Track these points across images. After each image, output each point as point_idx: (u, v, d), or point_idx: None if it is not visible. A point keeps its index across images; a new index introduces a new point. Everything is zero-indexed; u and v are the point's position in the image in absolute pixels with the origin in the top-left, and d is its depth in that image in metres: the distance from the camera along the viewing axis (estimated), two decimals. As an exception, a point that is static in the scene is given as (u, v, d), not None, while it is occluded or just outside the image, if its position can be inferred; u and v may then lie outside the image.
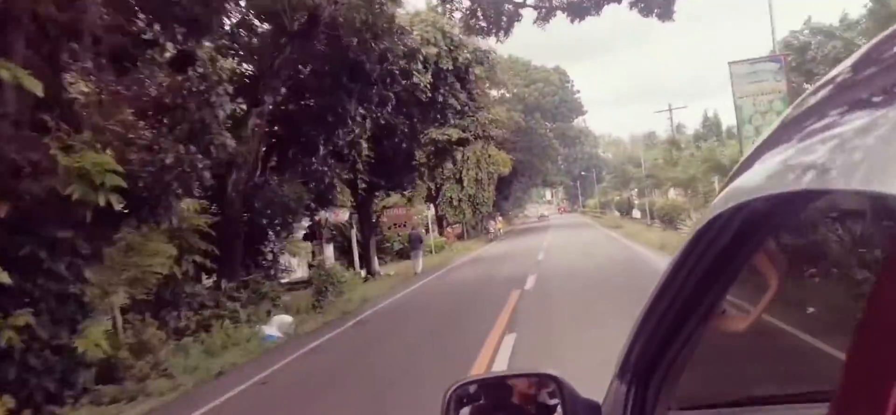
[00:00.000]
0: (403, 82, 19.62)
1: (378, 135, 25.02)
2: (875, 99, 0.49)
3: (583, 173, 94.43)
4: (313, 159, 16.22)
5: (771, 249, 0.79)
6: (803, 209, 0.68)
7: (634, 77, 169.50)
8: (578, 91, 60.31)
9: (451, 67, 24.65)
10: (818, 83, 0.63)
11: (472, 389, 1.27)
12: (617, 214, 65.24)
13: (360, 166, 23.55)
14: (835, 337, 0.64)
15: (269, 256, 16.53)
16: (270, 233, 16.00)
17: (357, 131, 23.18)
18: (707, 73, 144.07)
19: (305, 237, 27.14)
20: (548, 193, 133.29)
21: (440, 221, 46.68)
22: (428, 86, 23.80)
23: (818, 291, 0.80)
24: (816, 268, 0.82)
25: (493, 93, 59.89)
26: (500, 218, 50.15)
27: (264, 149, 15.64)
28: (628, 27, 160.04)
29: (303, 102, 16.31)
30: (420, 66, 23.72)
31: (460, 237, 54.64)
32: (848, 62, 0.60)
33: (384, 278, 25.65)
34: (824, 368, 0.65)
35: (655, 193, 51.57)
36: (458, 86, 25.32)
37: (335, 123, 15.56)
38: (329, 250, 30.14)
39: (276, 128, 15.94)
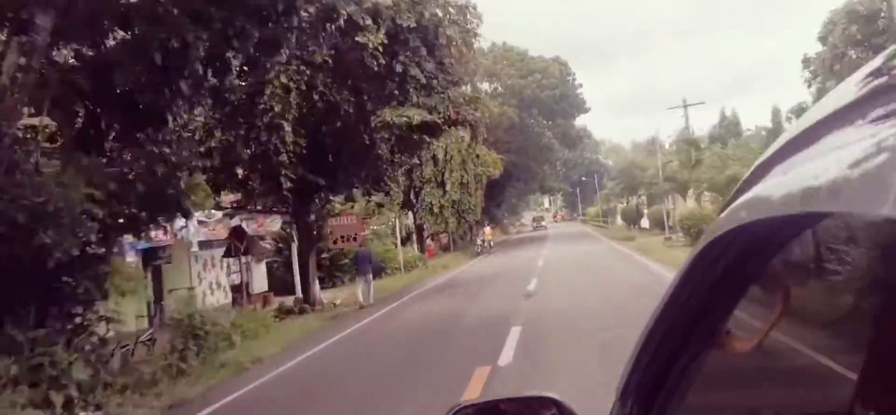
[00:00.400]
0: (329, 26, 13.11)
1: (314, 116, 18.53)
2: (884, 119, 0.48)
3: (584, 178, 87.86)
4: (148, 136, 9.62)
5: (777, 267, 0.77)
6: (811, 227, 0.65)
7: (632, 85, 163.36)
8: (581, 85, 53.84)
9: (413, 25, 18.21)
10: (825, 98, 0.62)
11: (470, 412, 1.26)
12: (622, 223, 58.62)
13: (284, 158, 16.97)
14: (844, 357, 0.62)
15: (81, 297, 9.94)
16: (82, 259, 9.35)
17: (275, 108, 16.70)
18: (706, 82, 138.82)
19: (226, 254, 20.60)
20: (546, 201, 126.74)
21: (419, 231, 40.10)
22: (380, 49, 17.31)
23: (826, 310, 0.74)
24: (824, 287, 0.74)
25: (485, 86, 53.41)
26: (488, 228, 43.46)
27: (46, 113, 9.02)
28: (626, 35, 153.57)
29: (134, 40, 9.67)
30: (369, 21, 17.27)
31: (446, 248, 48.08)
32: (855, 78, 0.58)
33: (321, 312, 19.06)
34: (833, 389, 0.63)
35: (671, 200, 45.18)
36: (423, 51, 18.77)
37: (167, 73, 8.91)
38: (260, 271, 23.54)
39: (76, 81, 9.30)
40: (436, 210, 38.05)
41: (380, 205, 33.13)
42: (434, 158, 37.55)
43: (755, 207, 0.63)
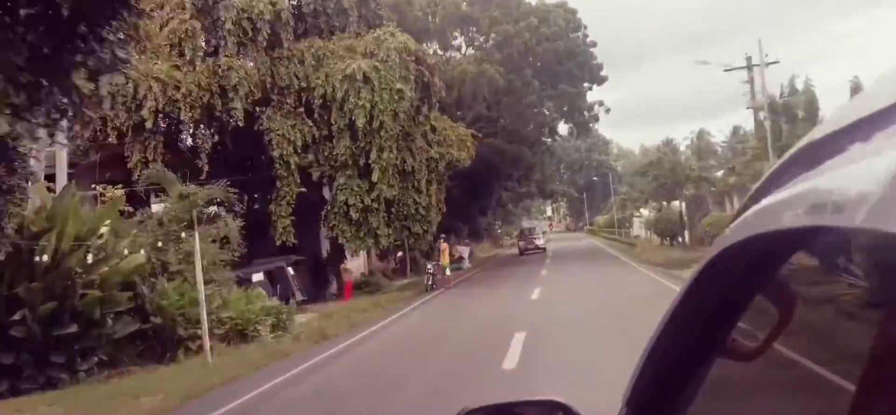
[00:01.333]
0: None
1: None
2: (889, 134, 0.50)
3: (595, 178, 72.44)
4: None
5: (783, 279, 0.77)
6: (818, 239, 0.65)
7: (634, 97, 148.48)
8: (595, 44, 38.23)
9: None
10: (833, 114, 0.64)
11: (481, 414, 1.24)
12: (641, 235, 43.25)
13: None
14: (846, 370, 0.62)
15: None
16: None
17: None
18: (707, 93, 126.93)
19: None
20: (549, 209, 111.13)
21: (338, 249, 24.68)
22: None
23: (830, 324, 0.72)
24: (828, 300, 0.73)
25: (459, 41, 37.98)
26: (445, 245, 27.60)
27: None
28: (625, 47, 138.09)
29: None
30: None
31: (401, 270, 32.72)
32: (864, 93, 0.61)
33: None
34: (836, 402, 0.62)
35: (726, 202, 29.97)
36: None
37: None
38: None
39: None
40: (355, 214, 22.62)
41: (218, 204, 17.89)
42: (351, 124, 22.26)
43: (764, 219, 0.64)
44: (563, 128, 41.98)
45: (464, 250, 40.47)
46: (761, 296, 0.83)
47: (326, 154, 22.71)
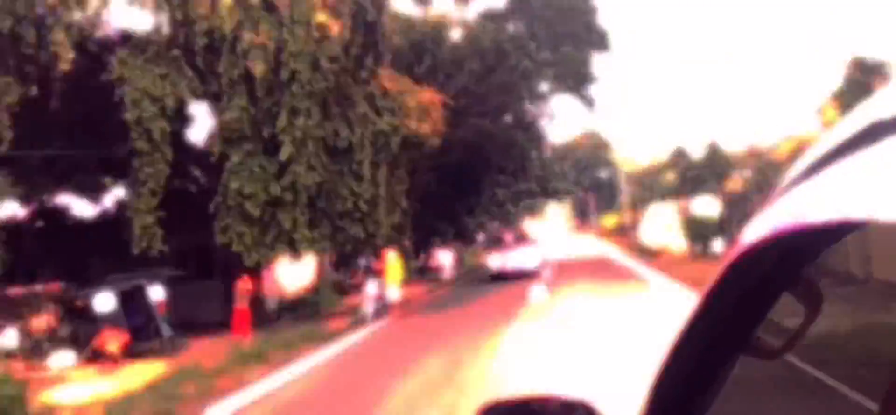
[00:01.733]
0: None
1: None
2: None
3: (602, 176, 65.09)
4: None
5: (809, 278, 0.76)
6: (849, 234, 0.65)
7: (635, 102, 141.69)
8: (596, 10, 30.43)
9: None
10: (866, 104, 0.62)
11: (502, 409, 1.26)
12: (669, 243, 35.79)
13: None
14: (869, 382, 0.57)
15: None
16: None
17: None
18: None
19: None
20: (552, 210, 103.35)
21: (231, 260, 17.21)
22: None
23: (855, 327, 0.71)
24: (855, 295, 0.73)
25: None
26: (392, 253, 19.50)
27: None
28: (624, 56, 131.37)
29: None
30: None
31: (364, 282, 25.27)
32: None
33: None
34: (862, 403, 0.57)
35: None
36: None
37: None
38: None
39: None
40: (255, 209, 15.22)
41: None
42: (247, 74, 14.96)
43: (794, 212, 0.61)
44: (563, 102, 34.39)
45: (445, 258, 33.19)
46: (788, 293, 0.79)
47: (216, 120, 15.39)
